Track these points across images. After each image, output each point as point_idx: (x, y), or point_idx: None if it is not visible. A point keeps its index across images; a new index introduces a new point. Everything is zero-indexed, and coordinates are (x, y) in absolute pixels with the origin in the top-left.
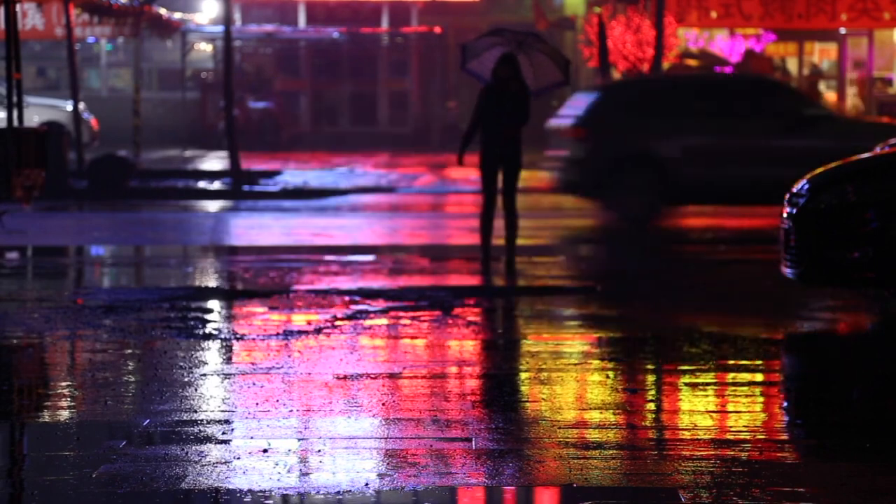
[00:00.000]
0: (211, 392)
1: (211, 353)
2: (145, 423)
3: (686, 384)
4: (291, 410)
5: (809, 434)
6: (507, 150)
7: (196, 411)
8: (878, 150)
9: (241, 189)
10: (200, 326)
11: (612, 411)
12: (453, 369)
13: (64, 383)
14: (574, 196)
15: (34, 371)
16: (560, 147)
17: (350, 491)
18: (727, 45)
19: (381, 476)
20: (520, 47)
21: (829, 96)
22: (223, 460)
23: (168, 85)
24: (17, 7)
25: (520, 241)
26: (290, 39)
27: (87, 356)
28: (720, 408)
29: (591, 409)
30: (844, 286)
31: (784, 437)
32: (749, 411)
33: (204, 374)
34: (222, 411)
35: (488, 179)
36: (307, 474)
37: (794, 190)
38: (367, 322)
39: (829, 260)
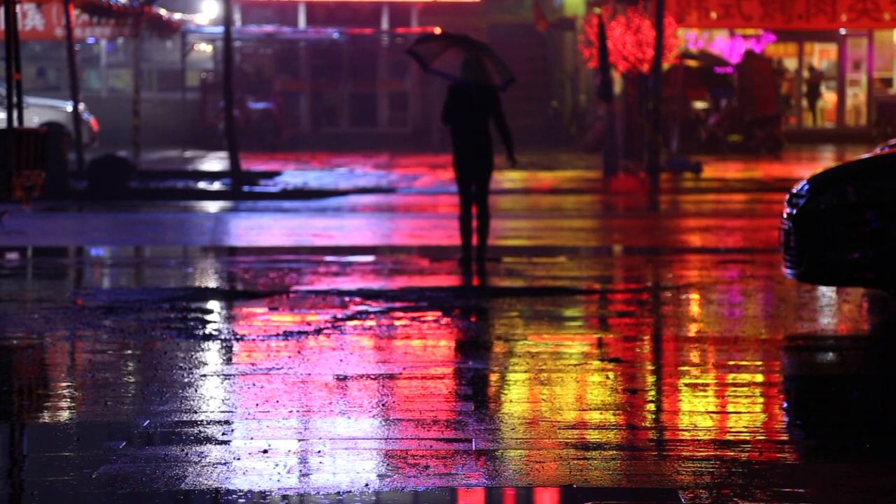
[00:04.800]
0: (211, 393)
1: (211, 354)
2: (145, 424)
3: (686, 384)
4: (291, 411)
5: (809, 434)
6: (479, 149)
7: (196, 412)
8: (878, 150)
9: (241, 190)
10: (200, 327)
11: (611, 412)
12: (453, 370)
13: (64, 384)
14: None
15: (34, 372)
16: None
17: (350, 492)
18: (727, 45)
19: (381, 477)
20: (472, 48)
21: (829, 97)
22: (223, 461)
23: (168, 85)
24: (17, 7)
25: (527, 242)
26: (290, 40)
27: (87, 357)
28: (720, 408)
29: (591, 409)
30: (844, 286)
31: (784, 437)
32: (749, 412)
33: (204, 375)
34: (222, 412)
35: (463, 180)
36: (307, 475)
37: (794, 190)
38: (368, 323)
39: (829, 260)
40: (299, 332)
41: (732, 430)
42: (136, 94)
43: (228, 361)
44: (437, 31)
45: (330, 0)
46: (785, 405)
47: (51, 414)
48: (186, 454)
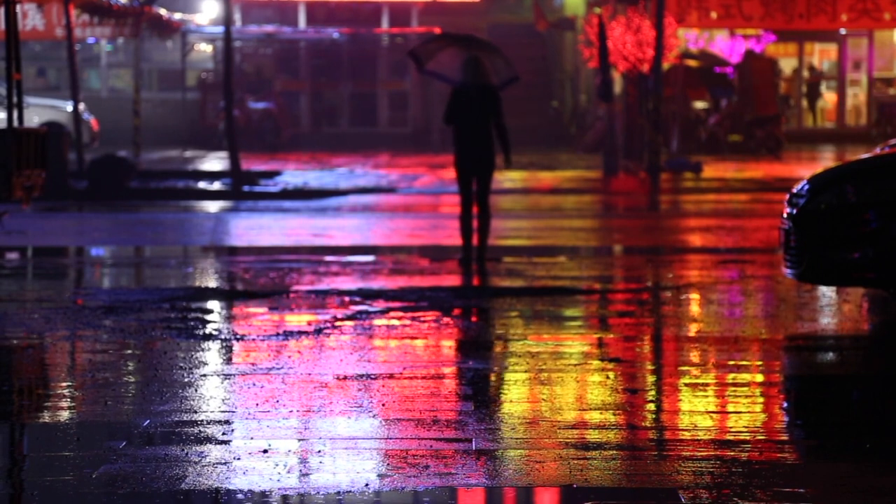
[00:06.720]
0: (211, 392)
1: (211, 354)
2: (145, 424)
3: (686, 384)
4: (291, 411)
5: (809, 434)
6: (480, 149)
7: (196, 412)
8: (878, 150)
9: (241, 189)
10: (200, 327)
11: (611, 412)
12: (453, 369)
13: (64, 384)
14: None
15: (34, 371)
16: None
17: (350, 491)
18: (727, 45)
19: (381, 476)
20: (469, 47)
21: (829, 97)
22: (223, 461)
23: (168, 85)
24: (18, 7)
25: (527, 242)
26: (290, 40)
27: (88, 357)
28: (720, 408)
29: (591, 409)
30: (844, 286)
31: (784, 437)
32: (749, 412)
33: (204, 375)
34: (222, 412)
35: (464, 180)
36: (307, 475)
37: (794, 190)
38: (367, 322)
39: (830, 260)
40: (299, 332)
41: (732, 430)
42: (136, 94)
43: (228, 361)
44: (437, 30)
45: (330, 0)
46: (785, 405)
47: (51, 414)
48: (186, 454)
